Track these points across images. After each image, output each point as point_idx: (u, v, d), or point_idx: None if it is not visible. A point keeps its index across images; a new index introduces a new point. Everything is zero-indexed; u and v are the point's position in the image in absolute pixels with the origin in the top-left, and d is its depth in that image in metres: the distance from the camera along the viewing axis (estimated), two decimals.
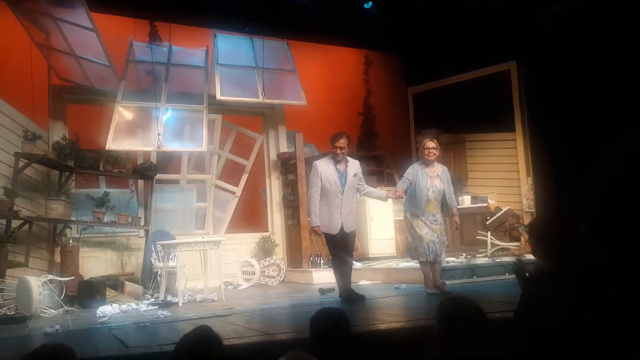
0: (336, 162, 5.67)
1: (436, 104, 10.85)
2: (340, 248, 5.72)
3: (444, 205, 6.04)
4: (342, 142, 5.63)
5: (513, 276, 6.49)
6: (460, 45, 10.08)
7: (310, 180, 5.79)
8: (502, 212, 9.44)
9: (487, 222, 9.32)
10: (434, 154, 5.91)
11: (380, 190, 6.44)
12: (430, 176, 5.87)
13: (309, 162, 9.35)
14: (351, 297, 5.59)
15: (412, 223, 5.89)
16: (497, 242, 8.87)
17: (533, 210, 9.80)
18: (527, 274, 2.82)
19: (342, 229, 5.65)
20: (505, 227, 9.38)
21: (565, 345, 2.18)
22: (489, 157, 10.42)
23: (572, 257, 2.50)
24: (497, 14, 8.74)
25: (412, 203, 5.89)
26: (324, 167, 5.65)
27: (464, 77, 10.47)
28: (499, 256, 8.48)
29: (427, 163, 5.92)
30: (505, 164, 10.15)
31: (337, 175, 5.63)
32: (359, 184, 5.85)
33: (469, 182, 10.65)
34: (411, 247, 5.97)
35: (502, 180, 10.21)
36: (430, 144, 5.94)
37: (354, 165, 5.77)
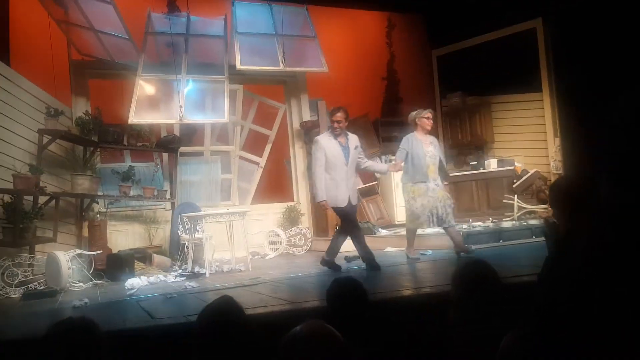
0: (336, 135, 5.69)
1: (461, 66, 10.59)
2: (351, 219, 5.77)
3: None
4: (339, 115, 5.67)
5: (540, 239, 6.57)
6: (485, 2, 9.74)
7: (312, 155, 5.78)
8: (529, 174, 9.27)
9: (514, 186, 9.16)
10: (432, 124, 6.31)
11: (381, 164, 6.58)
12: (424, 143, 6.16)
13: None
14: (372, 263, 5.62)
15: (413, 193, 6.11)
16: (524, 205, 8.73)
17: (561, 171, 9.59)
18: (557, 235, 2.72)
19: (349, 202, 5.67)
20: (532, 190, 9.24)
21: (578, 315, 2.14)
22: (516, 119, 10.19)
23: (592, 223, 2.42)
24: None
25: (412, 172, 6.13)
26: (327, 141, 5.68)
27: (490, 37, 10.17)
28: (526, 219, 8.37)
29: (421, 132, 6.21)
30: (532, 126, 9.92)
31: (340, 148, 5.65)
32: (359, 157, 5.87)
33: (495, 145, 10.47)
34: (413, 216, 6.12)
35: (528, 142, 10.00)
36: (430, 114, 6.28)
37: (353, 139, 5.82)
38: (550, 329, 2.37)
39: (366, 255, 5.67)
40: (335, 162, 5.60)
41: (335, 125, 5.66)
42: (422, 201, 6.03)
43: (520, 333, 1.78)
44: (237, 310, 2.38)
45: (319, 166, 5.60)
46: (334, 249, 5.78)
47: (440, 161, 6.21)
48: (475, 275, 2.38)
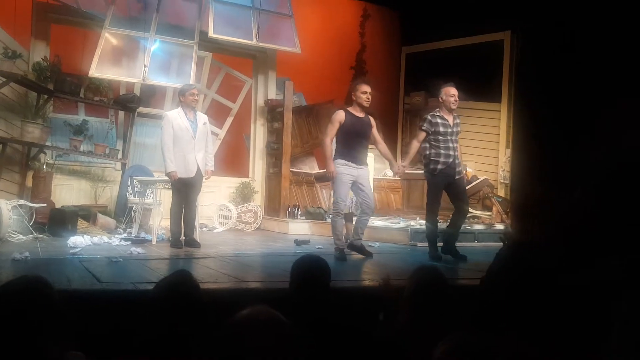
0: (186, 112, 5.95)
1: (428, 67, 10.76)
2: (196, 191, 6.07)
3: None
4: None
5: (481, 244, 6.90)
6: (460, 8, 9.91)
7: (162, 129, 5.98)
8: (478, 180, 9.56)
9: None
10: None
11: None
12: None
13: (296, 111, 9.23)
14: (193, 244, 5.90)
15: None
16: (470, 210, 8.98)
17: (507, 181, 9.99)
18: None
19: (197, 171, 5.96)
20: (479, 196, 9.54)
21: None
22: (472, 126, 10.47)
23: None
24: None
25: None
26: (175, 116, 5.94)
27: (459, 42, 10.37)
28: (469, 224, 8.60)
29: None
30: (486, 134, 10.29)
31: (188, 123, 5.92)
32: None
33: None
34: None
35: (481, 149, 10.36)
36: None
37: (202, 117, 6.17)
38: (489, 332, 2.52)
39: (188, 230, 5.99)
40: (182, 135, 5.84)
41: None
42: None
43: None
44: (195, 285, 2.39)
45: (168, 139, 5.83)
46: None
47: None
48: (427, 279, 2.48)
